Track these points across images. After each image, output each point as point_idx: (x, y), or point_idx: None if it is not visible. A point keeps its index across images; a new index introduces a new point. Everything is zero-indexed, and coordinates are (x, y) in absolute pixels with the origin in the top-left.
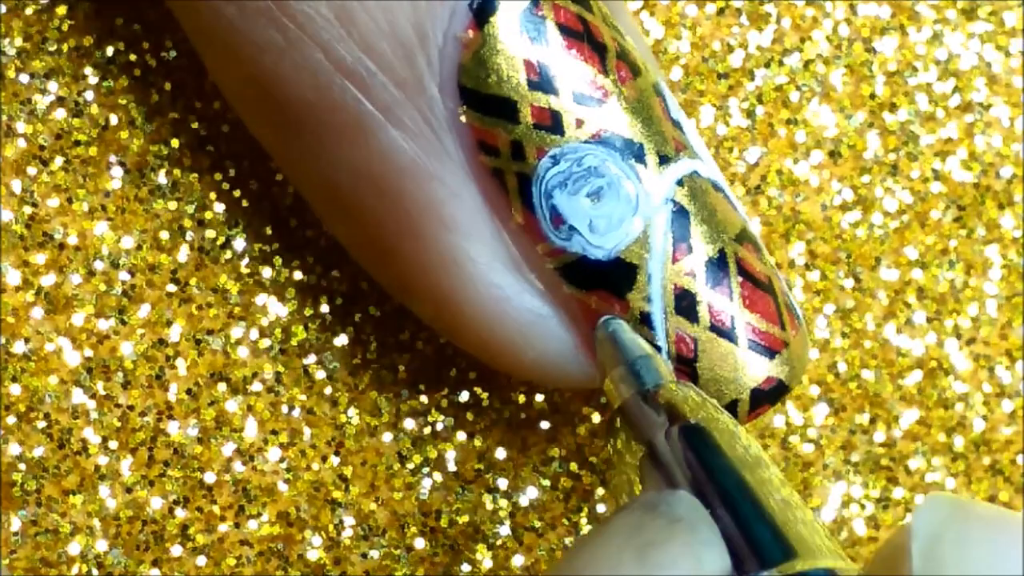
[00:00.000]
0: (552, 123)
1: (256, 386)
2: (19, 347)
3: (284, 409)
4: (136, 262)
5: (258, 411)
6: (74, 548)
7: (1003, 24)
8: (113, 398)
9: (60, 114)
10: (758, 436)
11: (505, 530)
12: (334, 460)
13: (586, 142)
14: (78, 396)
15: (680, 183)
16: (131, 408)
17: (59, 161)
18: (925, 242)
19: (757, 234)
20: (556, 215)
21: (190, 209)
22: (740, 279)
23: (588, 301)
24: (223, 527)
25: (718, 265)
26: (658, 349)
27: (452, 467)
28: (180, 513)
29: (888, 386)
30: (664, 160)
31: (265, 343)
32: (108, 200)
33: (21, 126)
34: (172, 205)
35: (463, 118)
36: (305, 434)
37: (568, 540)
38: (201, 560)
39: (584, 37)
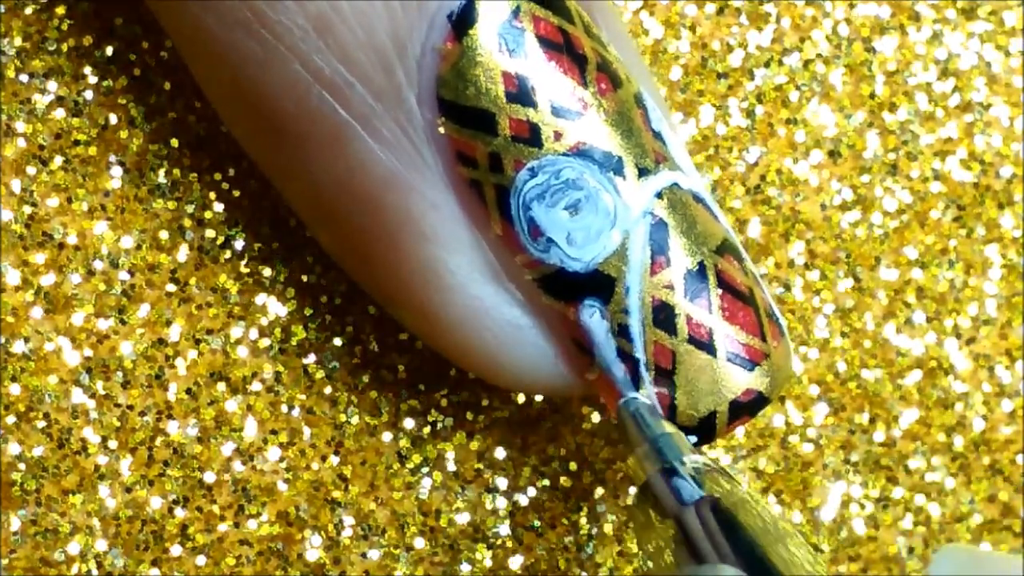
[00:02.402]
0: (530, 135)
1: (256, 386)
2: (19, 347)
3: (284, 409)
4: (136, 262)
5: (258, 411)
6: (74, 548)
7: (1003, 24)
8: (113, 398)
9: (60, 114)
10: (757, 436)
11: (505, 530)
12: (334, 460)
13: (564, 154)
14: (78, 396)
15: (659, 195)
16: (131, 408)
17: (59, 161)
18: (925, 242)
19: (756, 235)
20: (534, 227)
21: (190, 209)
22: (720, 291)
23: (567, 312)
24: (223, 527)
25: (697, 277)
26: (636, 361)
27: (452, 467)
28: (180, 513)
29: (888, 386)
30: (643, 172)
31: (265, 343)
32: (108, 200)
33: (21, 126)
34: (172, 205)
35: (441, 129)
36: (305, 434)
37: (568, 540)
38: (201, 560)
39: (564, 49)
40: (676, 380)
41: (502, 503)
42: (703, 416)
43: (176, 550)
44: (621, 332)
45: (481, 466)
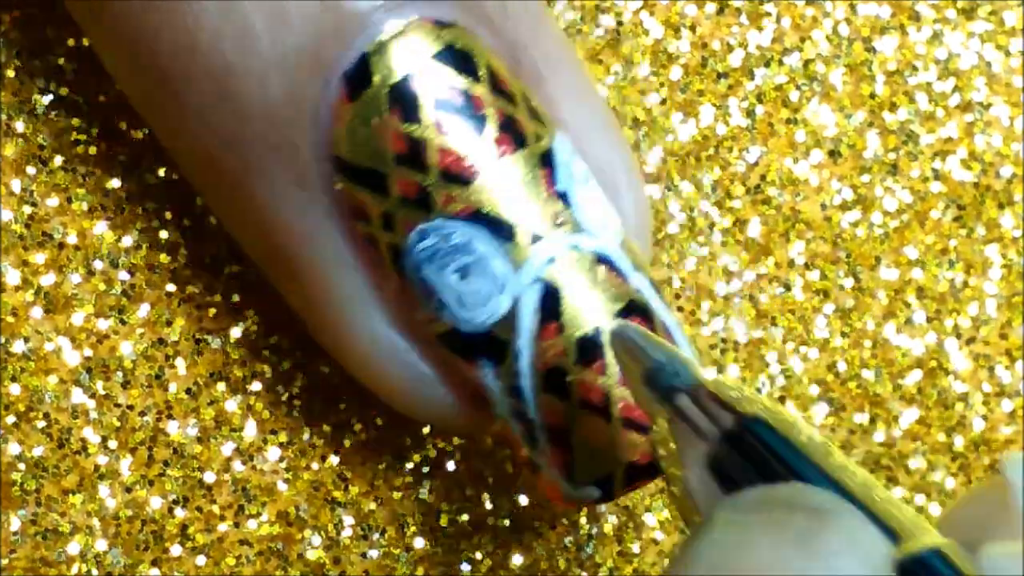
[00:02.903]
0: (420, 199)
1: (256, 386)
2: (19, 346)
3: (284, 409)
4: (136, 262)
5: (257, 411)
6: (73, 548)
7: (1003, 23)
8: (113, 398)
9: (60, 114)
10: None
11: (505, 529)
12: (334, 460)
13: (454, 219)
14: (78, 396)
15: (552, 261)
16: (131, 408)
17: (59, 160)
18: (925, 242)
19: (756, 235)
20: (426, 287)
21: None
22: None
23: (466, 368)
24: (223, 527)
25: (592, 342)
26: (530, 422)
27: (452, 467)
28: (180, 513)
29: (888, 386)
30: (536, 239)
31: (265, 343)
32: (108, 200)
33: (20, 125)
34: (172, 205)
35: (338, 185)
36: (305, 434)
37: (568, 540)
38: (201, 560)
39: (462, 110)
40: (572, 441)
41: (502, 503)
42: (599, 478)
43: (176, 550)
44: (514, 393)
45: (481, 466)
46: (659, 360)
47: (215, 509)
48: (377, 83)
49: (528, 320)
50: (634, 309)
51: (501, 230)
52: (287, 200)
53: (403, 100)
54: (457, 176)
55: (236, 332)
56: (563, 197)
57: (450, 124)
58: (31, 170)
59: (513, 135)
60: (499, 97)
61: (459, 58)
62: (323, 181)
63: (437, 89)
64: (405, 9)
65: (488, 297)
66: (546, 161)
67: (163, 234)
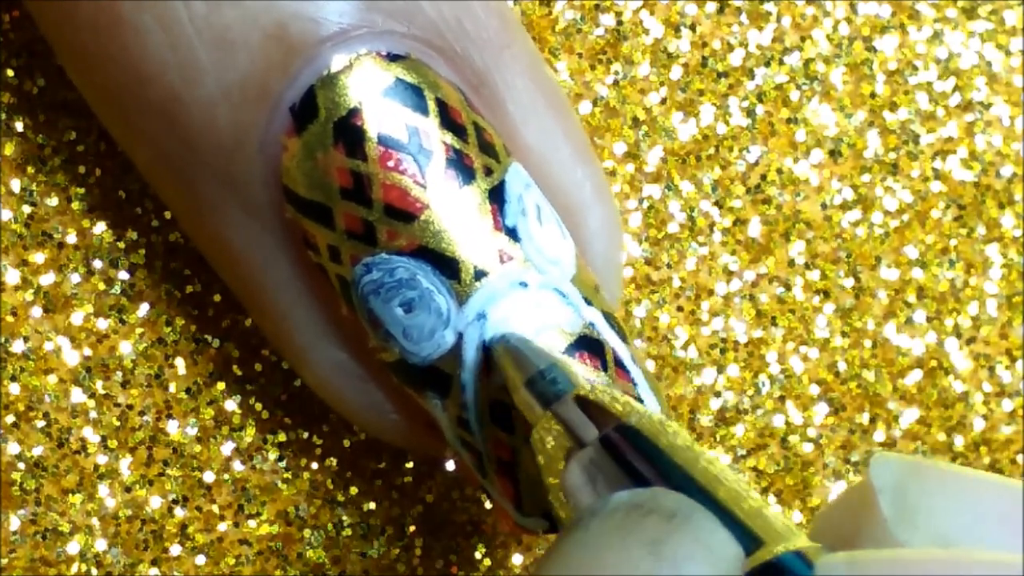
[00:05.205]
0: (364, 233)
1: (255, 385)
2: (18, 346)
3: (284, 408)
4: (136, 261)
5: (257, 410)
6: (73, 547)
7: (1003, 23)
8: (112, 397)
9: (60, 113)
10: (758, 435)
11: (504, 529)
12: (334, 460)
13: (399, 254)
14: (77, 395)
15: (495, 298)
16: (130, 407)
17: (58, 160)
18: (925, 241)
19: (757, 235)
20: (373, 318)
21: None
22: None
23: (417, 398)
24: (222, 526)
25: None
26: (478, 453)
27: (451, 466)
28: (179, 512)
29: (888, 386)
30: (480, 275)
31: (265, 342)
32: (108, 199)
33: (20, 125)
34: None
35: (288, 214)
36: (305, 433)
37: None
38: (200, 559)
39: (406, 147)
40: (518, 474)
41: None
42: (546, 510)
43: (176, 550)
44: (461, 424)
45: None
46: (539, 367)
47: (215, 509)
48: (323, 117)
49: (472, 354)
50: (585, 343)
51: (445, 266)
52: (237, 228)
53: (348, 135)
54: (401, 212)
55: (236, 331)
56: (511, 233)
57: (395, 160)
58: (31, 170)
59: (460, 170)
60: (448, 131)
61: (407, 92)
62: (273, 210)
63: (383, 124)
64: (354, 43)
65: (433, 331)
66: (495, 196)
67: (163, 234)
